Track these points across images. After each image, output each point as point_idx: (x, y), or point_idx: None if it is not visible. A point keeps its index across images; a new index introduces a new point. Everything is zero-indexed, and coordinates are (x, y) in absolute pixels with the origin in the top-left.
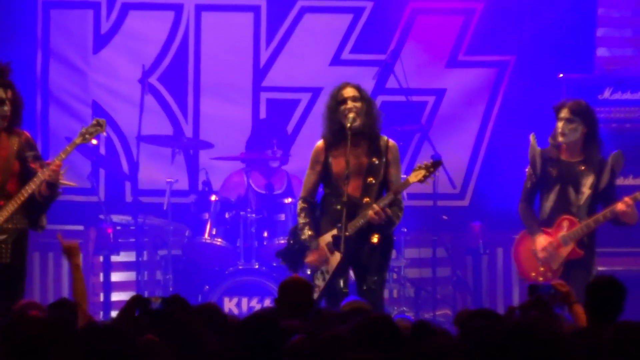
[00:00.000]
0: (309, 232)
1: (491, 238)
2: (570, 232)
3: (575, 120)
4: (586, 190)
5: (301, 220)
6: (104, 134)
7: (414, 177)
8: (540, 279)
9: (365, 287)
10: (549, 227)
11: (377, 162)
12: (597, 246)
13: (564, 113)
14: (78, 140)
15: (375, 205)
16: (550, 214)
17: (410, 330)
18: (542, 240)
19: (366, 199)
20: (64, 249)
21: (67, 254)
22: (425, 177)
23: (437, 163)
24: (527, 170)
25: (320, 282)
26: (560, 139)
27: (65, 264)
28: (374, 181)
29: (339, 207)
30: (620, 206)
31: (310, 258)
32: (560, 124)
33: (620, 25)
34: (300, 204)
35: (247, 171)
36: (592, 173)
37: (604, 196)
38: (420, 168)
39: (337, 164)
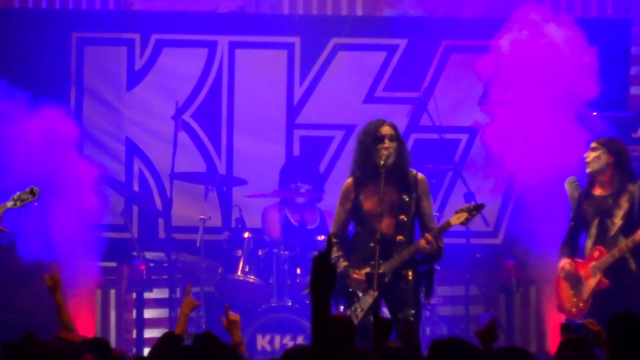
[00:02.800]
0: (344, 263)
1: (524, 276)
2: (598, 263)
3: (598, 148)
4: (617, 221)
5: (334, 254)
6: (35, 204)
7: (456, 219)
8: (574, 310)
9: (400, 321)
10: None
11: (407, 199)
12: None
13: (591, 144)
14: (9, 204)
15: (428, 235)
16: (592, 249)
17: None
18: (562, 263)
19: (399, 237)
20: (50, 280)
21: (51, 286)
22: (467, 219)
23: (479, 206)
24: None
25: (354, 320)
26: (587, 169)
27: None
28: (406, 219)
29: (372, 244)
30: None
31: (355, 277)
32: (586, 154)
33: None
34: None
35: (281, 207)
36: (623, 203)
37: (637, 224)
38: (462, 211)
39: (368, 202)
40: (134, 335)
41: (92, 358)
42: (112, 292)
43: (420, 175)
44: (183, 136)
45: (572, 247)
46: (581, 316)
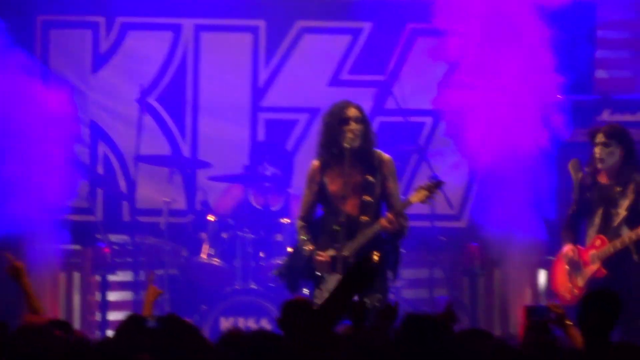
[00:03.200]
0: (311, 247)
1: (488, 259)
2: (599, 252)
3: (611, 143)
4: (622, 212)
5: (301, 237)
6: None
7: (416, 197)
8: (568, 295)
9: (369, 306)
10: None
11: (372, 179)
12: None
13: (599, 138)
14: None
15: (389, 214)
16: (594, 237)
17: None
18: (566, 249)
19: (364, 218)
20: (11, 268)
21: (15, 274)
22: (427, 197)
23: (438, 183)
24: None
25: (319, 302)
26: (599, 165)
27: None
28: (370, 199)
29: (336, 227)
30: None
31: (320, 259)
32: (597, 150)
33: (618, 47)
34: (299, 223)
35: (246, 189)
36: (629, 194)
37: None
38: (421, 189)
39: (333, 184)
40: (98, 318)
41: (61, 334)
42: (76, 274)
43: (385, 155)
44: (148, 119)
45: (575, 232)
46: (575, 302)
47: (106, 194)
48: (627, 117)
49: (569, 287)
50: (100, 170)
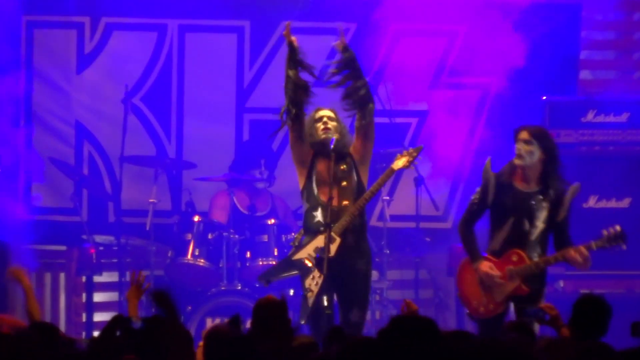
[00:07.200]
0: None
1: None
2: (518, 268)
3: (533, 142)
4: (540, 225)
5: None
6: None
7: (397, 164)
8: (481, 309)
9: (351, 320)
10: (497, 258)
11: (345, 167)
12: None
13: (523, 135)
14: None
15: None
16: (503, 245)
17: None
18: (485, 266)
19: (345, 202)
20: (12, 272)
21: (17, 277)
22: (409, 162)
23: (418, 148)
24: (477, 191)
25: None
26: (517, 161)
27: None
28: (347, 184)
29: (322, 229)
30: (573, 254)
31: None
32: (518, 146)
33: (603, 48)
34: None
35: (230, 192)
36: (548, 205)
37: (558, 229)
38: (402, 155)
39: (318, 174)
40: (84, 319)
41: (41, 338)
42: (62, 275)
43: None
44: (133, 119)
45: (473, 232)
46: (490, 317)
47: (91, 195)
48: (611, 119)
49: (483, 301)
50: (85, 170)
